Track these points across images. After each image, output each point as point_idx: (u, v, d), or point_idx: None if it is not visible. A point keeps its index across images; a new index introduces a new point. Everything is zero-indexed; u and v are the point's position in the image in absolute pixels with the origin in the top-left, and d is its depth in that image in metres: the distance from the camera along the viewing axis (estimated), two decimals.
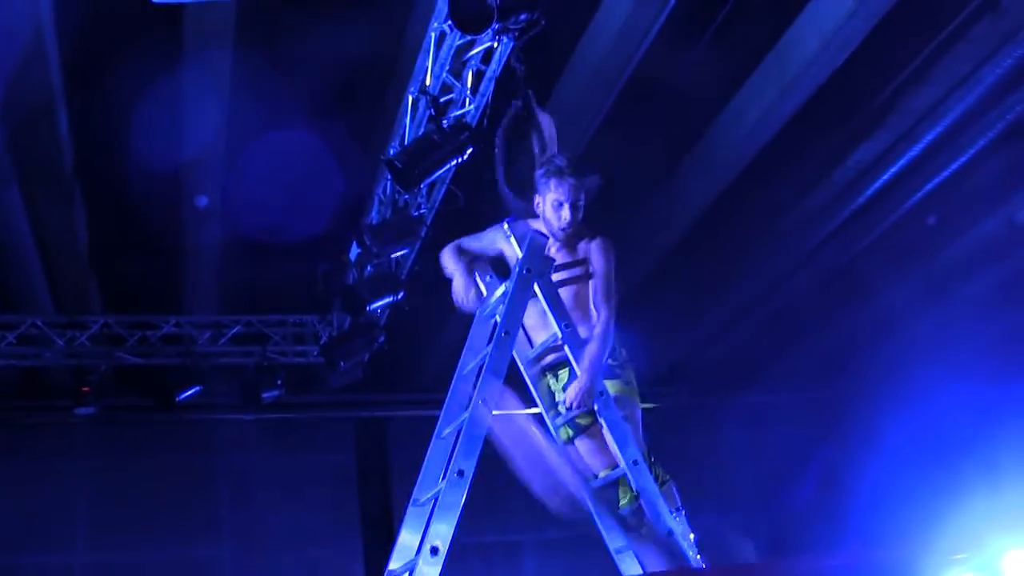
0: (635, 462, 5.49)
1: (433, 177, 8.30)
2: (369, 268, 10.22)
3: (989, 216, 11.42)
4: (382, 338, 10.74)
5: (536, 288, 5.70)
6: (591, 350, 5.66)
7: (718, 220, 11.11)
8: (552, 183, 5.92)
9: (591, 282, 5.92)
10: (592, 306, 5.88)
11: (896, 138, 10.03)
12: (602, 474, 5.81)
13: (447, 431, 5.59)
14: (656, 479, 5.63)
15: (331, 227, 10.37)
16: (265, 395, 11.83)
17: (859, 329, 13.62)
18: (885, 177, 10.49)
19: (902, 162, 10.23)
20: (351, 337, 10.89)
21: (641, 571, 5.77)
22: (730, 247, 11.91)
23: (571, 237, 5.97)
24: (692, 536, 5.74)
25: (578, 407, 5.66)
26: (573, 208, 5.91)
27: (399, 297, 10.07)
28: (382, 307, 10.43)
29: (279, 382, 11.84)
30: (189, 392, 11.74)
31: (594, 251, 5.93)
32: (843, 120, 10.11)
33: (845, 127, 10.17)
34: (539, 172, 6.01)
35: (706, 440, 14.33)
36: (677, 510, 5.74)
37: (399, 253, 9.68)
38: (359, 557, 13.29)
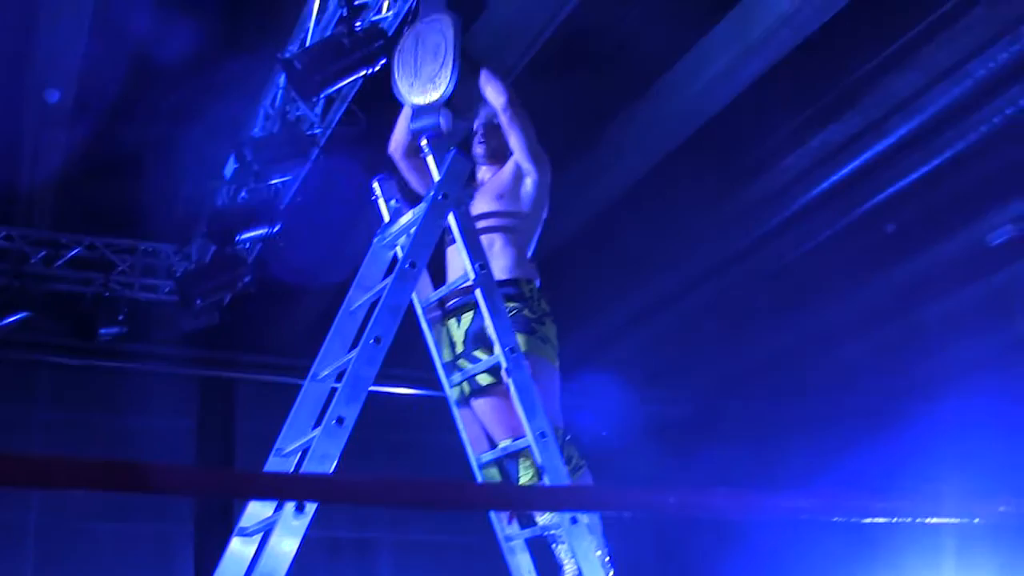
0: (542, 434, 5.25)
1: (335, 86, 7.97)
2: (244, 193, 9.88)
3: (956, 233, 11.35)
4: (248, 277, 10.40)
5: (451, 218, 5.44)
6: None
7: (645, 196, 10.89)
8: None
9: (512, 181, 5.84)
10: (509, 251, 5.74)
11: (865, 125, 9.91)
12: (502, 444, 5.58)
13: (325, 372, 5.40)
14: (568, 461, 5.39)
15: (206, 145, 9.96)
16: (103, 331, 11.39)
17: (791, 342, 13.56)
18: (844, 170, 10.36)
19: (867, 155, 10.11)
20: (213, 272, 10.53)
21: (532, 565, 5.57)
22: (656, 230, 11.72)
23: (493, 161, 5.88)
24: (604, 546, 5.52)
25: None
26: (485, 129, 5.88)
27: (274, 230, 9.76)
28: (253, 240, 10.11)
29: (120, 318, 11.40)
30: (12, 318, 11.24)
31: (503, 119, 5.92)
32: (807, 97, 9.98)
33: (808, 105, 10.04)
34: None
35: None
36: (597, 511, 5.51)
37: (282, 178, 9.37)
38: (190, 531, 12.92)
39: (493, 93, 5.93)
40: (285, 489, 3.34)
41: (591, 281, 12.33)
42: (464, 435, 5.76)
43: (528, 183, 5.97)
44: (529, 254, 5.99)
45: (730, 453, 13.84)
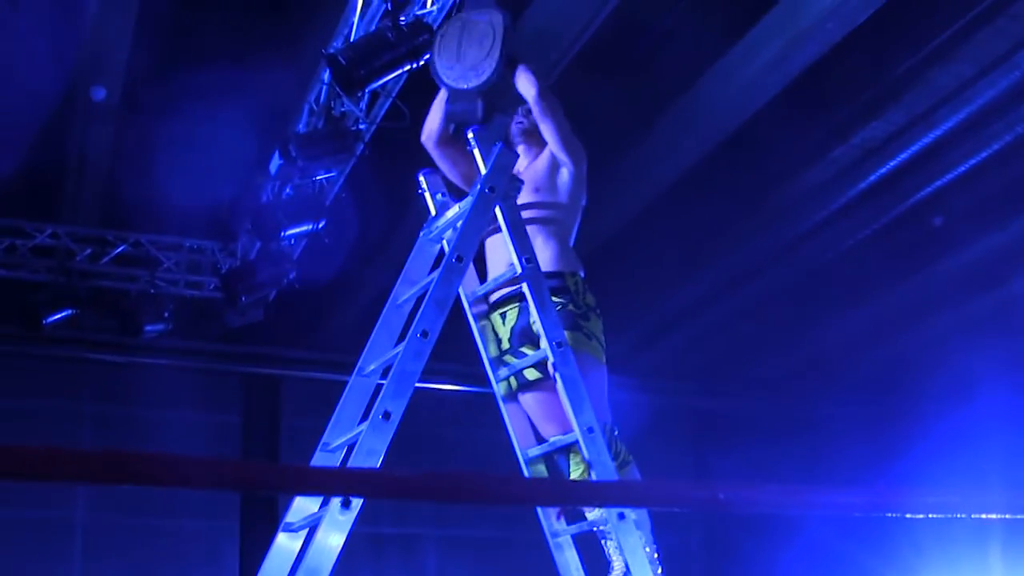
0: (590, 429, 5.20)
1: (380, 81, 7.95)
2: (288, 189, 9.87)
3: (1004, 226, 11.25)
4: (293, 274, 10.40)
5: (497, 211, 5.41)
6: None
7: (689, 193, 10.85)
8: None
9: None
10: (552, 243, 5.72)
11: (910, 119, 9.84)
12: (552, 439, 5.56)
13: (371, 367, 5.38)
14: (615, 456, 5.36)
15: (251, 142, 9.97)
16: (148, 328, 11.42)
17: (842, 338, 13.48)
18: (892, 163, 10.29)
19: (914, 148, 10.04)
20: (257, 268, 10.54)
21: (579, 561, 5.54)
22: (699, 227, 11.68)
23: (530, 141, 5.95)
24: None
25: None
26: (524, 111, 5.96)
27: (319, 226, 9.74)
28: (298, 236, 10.08)
29: (165, 315, 11.43)
30: (59, 315, 11.28)
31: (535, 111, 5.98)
32: (853, 91, 9.91)
33: (854, 99, 9.98)
34: None
35: None
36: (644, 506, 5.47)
37: (327, 174, 9.36)
38: (235, 527, 12.94)
39: (525, 85, 5.91)
40: (331, 484, 3.32)
41: (630, 279, 12.28)
42: (511, 430, 5.72)
43: (564, 173, 5.93)
44: (571, 244, 5.96)
45: (771, 452, 13.78)
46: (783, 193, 10.99)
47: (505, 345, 5.74)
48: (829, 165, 10.44)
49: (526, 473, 5.61)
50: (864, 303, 12.87)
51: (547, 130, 5.88)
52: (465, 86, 5.87)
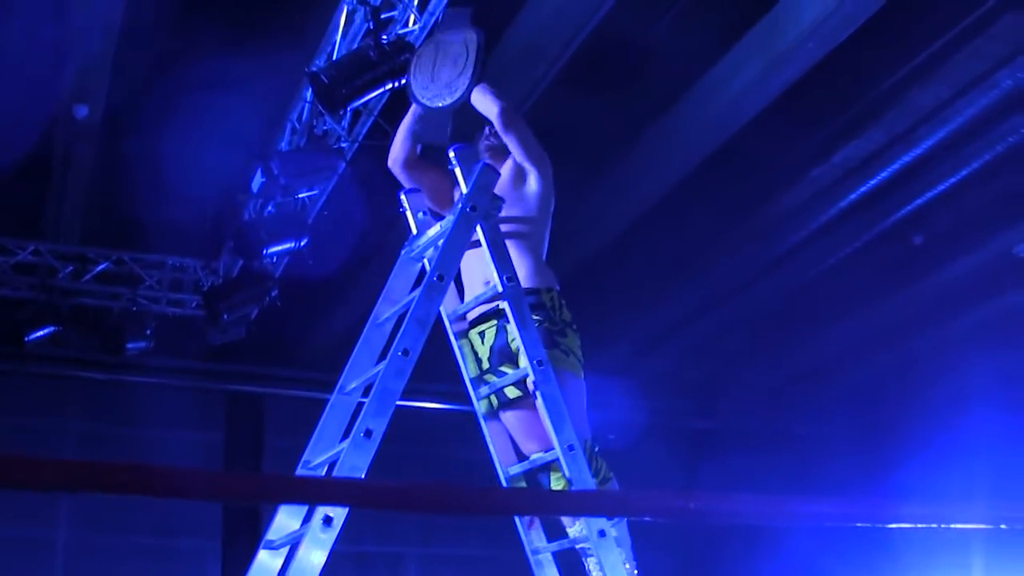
0: (570, 447, 5.20)
1: (363, 99, 7.99)
2: (270, 207, 9.90)
3: (984, 244, 11.31)
4: (275, 292, 10.41)
5: (479, 230, 5.43)
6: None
7: (674, 208, 10.89)
8: None
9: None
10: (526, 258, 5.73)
11: (891, 138, 9.91)
12: (532, 456, 5.59)
13: (353, 385, 5.39)
14: (596, 474, 5.38)
15: (234, 159, 9.98)
16: (130, 345, 11.43)
17: (818, 358, 13.53)
18: (872, 182, 10.36)
19: (895, 167, 10.12)
20: (240, 286, 10.56)
21: None
22: (683, 243, 11.73)
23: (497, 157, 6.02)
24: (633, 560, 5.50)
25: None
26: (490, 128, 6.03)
27: (301, 244, 9.76)
28: (280, 254, 10.11)
29: (148, 332, 11.43)
30: (41, 332, 11.28)
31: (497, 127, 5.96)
32: (834, 110, 9.98)
33: (835, 118, 10.04)
34: None
35: None
36: (619, 516, 5.49)
37: (309, 192, 9.38)
38: (217, 545, 12.92)
39: (487, 105, 5.90)
40: (312, 494, 3.33)
41: (618, 294, 12.32)
42: (492, 448, 5.73)
43: (532, 182, 5.92)
44: (543, 257, 5.96)
45: (759, 465, 13.81)
46: (767, 211, 11.03)
47: (485, 364, 5.75)
48: (810, 183, 10.50)
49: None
50: (851, 319, 12.91)
51: (511, 139, 5.88)
52: (440, 104, 5.88)
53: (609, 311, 11.89)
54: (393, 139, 6.19)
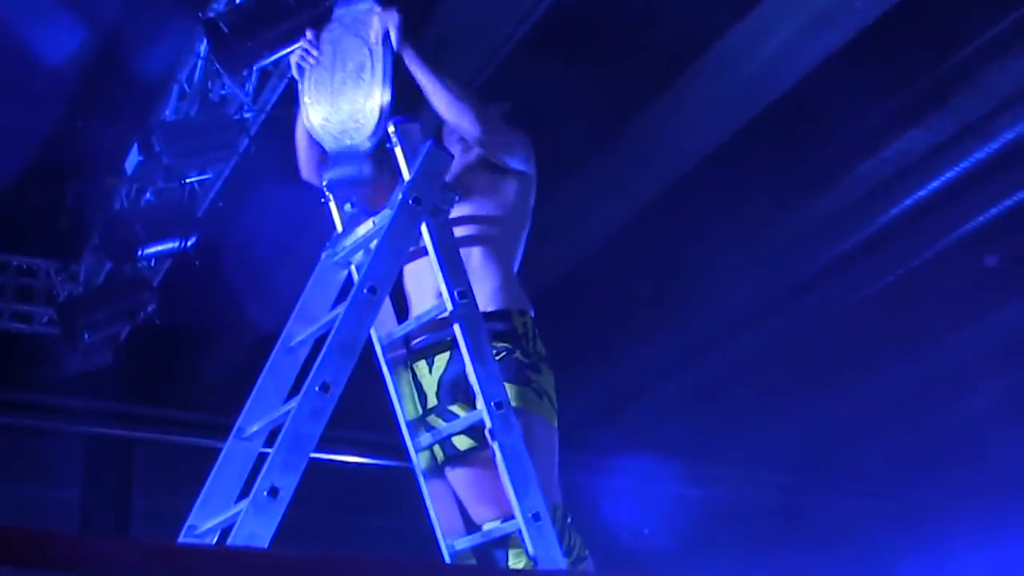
0: (536, 516, 5.18)
1: (273, 56, 7.97)
2: (149, 194, 9.89)
3: None
4: (152, 305, 10.39)
5: (424, 230, 5.41)
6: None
7: (676, 212, 10.94)
8: None
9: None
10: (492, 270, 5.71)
11: (960, 128, 9.97)
12: (486, 527, 5.54)
13: (254, 428, 5.38)
14: (568, 551, 5.36)
15: (99, 127, 9.97)
16: None
17: (852, 415, 13.63)
18: (934, 184, 10.42)
19: (964, 164, 10.17)
20: (107, 297, 10.54)
21: None
22: (685, 259, 11.77)
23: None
24: None
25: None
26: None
27: (188, 244, 9.73)
28: (160, 255, 10.09)
29: None
30: None
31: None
32: (887, 89, 10.03)
33: (887, 100, 10.10)
34: None
35: None
36: None
37: (200, 176, 9.38)
38: None
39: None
40: (199, 568, 3.32)
41: (602, 323, 12.35)
42: (434, 515, 5.70)
43: (502, 168, 5.82)
44: (515, 271, 5.88)
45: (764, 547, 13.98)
46: (795, 218, 11.14)
47: (431, 402, 5.68)
48: (853, 183, 10.59)
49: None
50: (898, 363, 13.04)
51: (459, 117, 5.72)
52: (348, 143, 5.68)
53: (583, 346, 11.89)
54: (295, 144, 5.97)
